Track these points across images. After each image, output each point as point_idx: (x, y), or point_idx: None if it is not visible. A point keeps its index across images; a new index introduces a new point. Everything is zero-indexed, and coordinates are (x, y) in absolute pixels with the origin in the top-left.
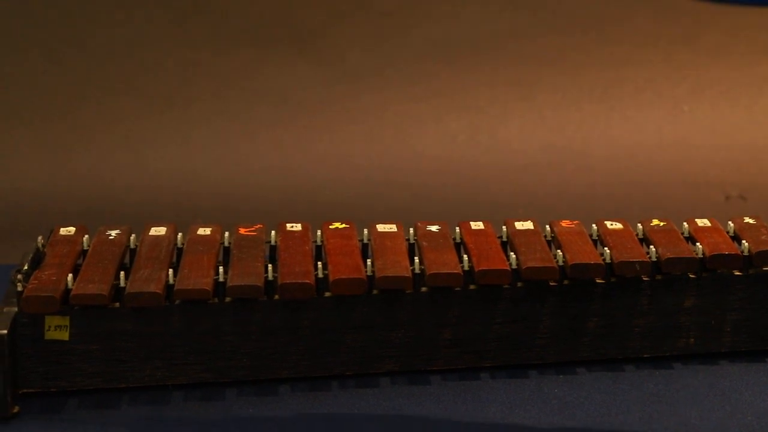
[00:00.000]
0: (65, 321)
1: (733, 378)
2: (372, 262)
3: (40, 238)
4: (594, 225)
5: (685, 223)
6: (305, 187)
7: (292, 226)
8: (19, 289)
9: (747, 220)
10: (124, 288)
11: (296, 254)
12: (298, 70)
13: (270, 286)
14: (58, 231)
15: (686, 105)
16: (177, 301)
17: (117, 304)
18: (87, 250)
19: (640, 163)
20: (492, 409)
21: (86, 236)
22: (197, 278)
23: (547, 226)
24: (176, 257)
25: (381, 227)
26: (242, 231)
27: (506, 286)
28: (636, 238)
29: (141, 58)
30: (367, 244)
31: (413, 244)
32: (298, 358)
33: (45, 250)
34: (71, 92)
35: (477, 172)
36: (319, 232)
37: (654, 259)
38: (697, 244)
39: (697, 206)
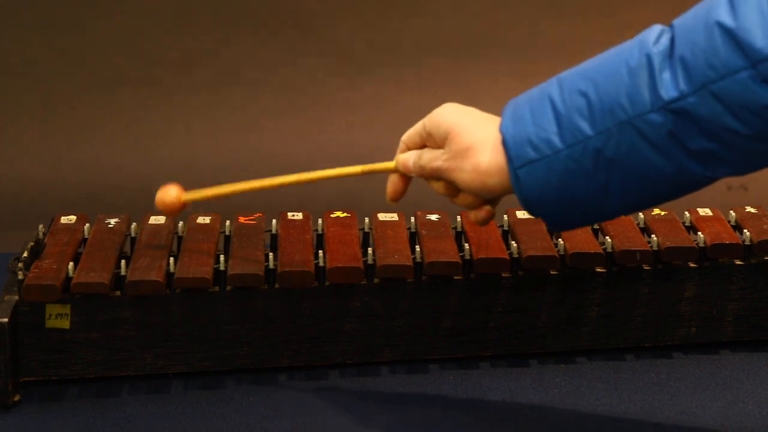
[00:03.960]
0: (66, 309)
1: (734, 367)
2: (373, 251)
3: (41, 226)
4: None
5: (686, 213)
6: None
7: (293, 215)
8: (20, 277)
9: (748, 209)
10: (125, 276)
11: (297, 243)
12: (299, 60)
13: (270, 274)
14: (59, 219)
15: None
16: (177, 290)
17: (118, 293)
18: (87, 239)
19: None
20: (492, 398)
21: (87, 225)
22: (197, 267)
23: None
24: (176, 246)
25: (382, 216)
26: (242, 220)
27: (507, 275)
28: (637, 227)
29: (142, 48)
30: (368, 233)
31: (414, 233)
32: (299, 346)
33: (45, 238)
34: (72, 82)
35: None
36: (320, 221)
37: (655, 248)
38: (699, 233)
39: (698, 196)
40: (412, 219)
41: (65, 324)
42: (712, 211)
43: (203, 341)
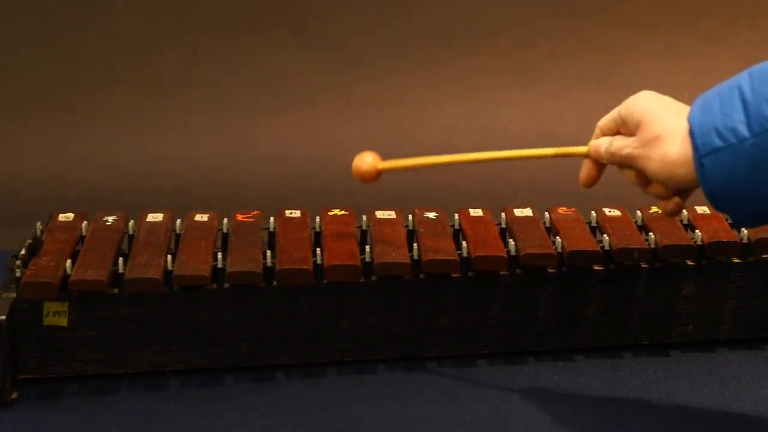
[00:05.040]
0: (64, 307)
1: (732, 365)
2: (371, 249)
3: (38, 224)
4: (593, 212)
5: (684, 211)
6: (305, 174)
7: (291, 213)
8: (18, 275)
9: None
10: (123, 274)
11: (295, 240)
12: (297, 57)
13: (269, 272)
14: (57, 217)
15: (686, 92)
16: (175, 287)
17: (116, 290)
18: (85, 236)
19: None
20: (490, 395)
21: (85, 222)
22: (195, 264)
23: (546, 213)
24: (174, 243)
25: (380, 214)
26: (239, 217)
27: (505, 273)
28: (635, 225)
29: (140, 45)
30: (366, 231)
31: (412, 230)
32: (297, 344)
33: (43, 236)
34: (70, 79)
35: None
36: (318, 219)
37: (653, 246)
38: (696, 231)
39: (696, 195)
40: (410, 217)
41: (63, 321)
42: (709, 209)
43: (201, 339)
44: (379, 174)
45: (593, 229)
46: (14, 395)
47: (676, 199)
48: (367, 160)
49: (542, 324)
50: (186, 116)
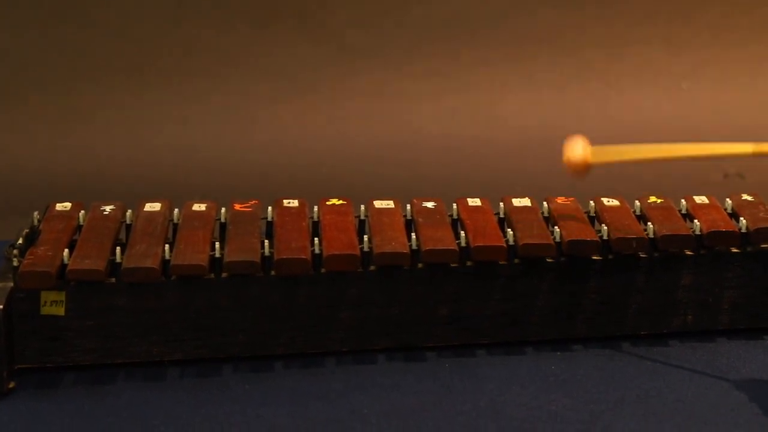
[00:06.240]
0: (61, 296)
1: (731, 355)
2: (370, 239)
3: (36, 213)
4: (591, 202)
5: (682, 200)
6: (303, 164)
7: (289, 202)
8: (15, 264)
9: (745, 197)
10: (120, 263)
11: (293, 230)
12: (296, 47)
13: (267, 262)
14: (54, 207)
15: (685, 83)
16: (173, 277)
17: (113, 280)
18: (82, 226)
19: (638, 141)
20: (489, 385)
21: (82, 212)
22: (193, 254)
23: (544, 203)
24: (172, 233)
25: (378, 204)
26: (237, 207)
27: (503, 263)
28: (633, 215)
29: (138, 35)
30: (364, 221)
31: (410, 220)
32: (295, 334)
33: (41, 225)
34: (68, 69)
35: (475, 150)
36: (316, 208)
37: (651, 236)
38: (695, 221)
39: (695, 185)
40: (408, 206)
41: (60, 311)
42: (708, 199)
43: (199, 329)
44: (589, 168)
45: (592, 219)
46: (11, 385)
47: None
48: (577, 152)
49: (541, 314)
50: (184, 106)
